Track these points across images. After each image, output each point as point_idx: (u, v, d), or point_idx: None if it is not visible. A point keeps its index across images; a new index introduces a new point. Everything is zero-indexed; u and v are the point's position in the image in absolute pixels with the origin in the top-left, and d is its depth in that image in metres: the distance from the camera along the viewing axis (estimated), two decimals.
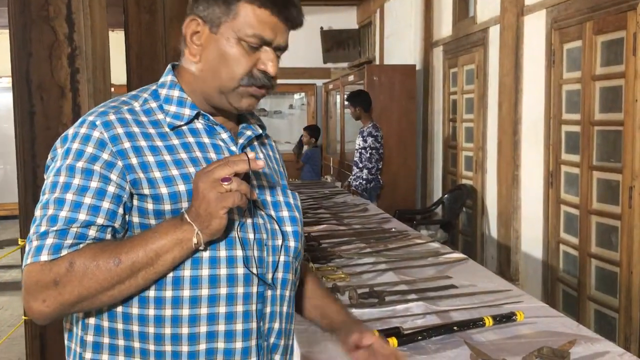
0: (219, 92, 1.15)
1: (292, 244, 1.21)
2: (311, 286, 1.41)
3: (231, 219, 1.09)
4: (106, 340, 1.10)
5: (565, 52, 3.85)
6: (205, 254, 1.08)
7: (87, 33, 1.86)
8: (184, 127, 1.16)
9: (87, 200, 1.05)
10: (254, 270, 1.13)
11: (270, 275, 1.17)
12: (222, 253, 1.10)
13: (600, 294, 3.53)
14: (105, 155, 1.07)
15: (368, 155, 5.52)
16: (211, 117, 1.18)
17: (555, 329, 1.89)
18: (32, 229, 1.06)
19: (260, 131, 1.27)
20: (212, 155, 1.15)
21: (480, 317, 1.89)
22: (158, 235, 1.03)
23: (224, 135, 1.18)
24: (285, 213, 1.22)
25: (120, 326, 1.09)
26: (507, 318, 1.91)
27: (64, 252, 1.02)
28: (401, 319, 1.96)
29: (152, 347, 1.09)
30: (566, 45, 3.82)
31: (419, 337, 1.77)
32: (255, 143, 1.27)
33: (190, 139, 1.15)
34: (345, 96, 6.06)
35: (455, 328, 1.84)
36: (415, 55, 6.69)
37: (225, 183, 1.00)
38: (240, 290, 1.12)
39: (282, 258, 1.19)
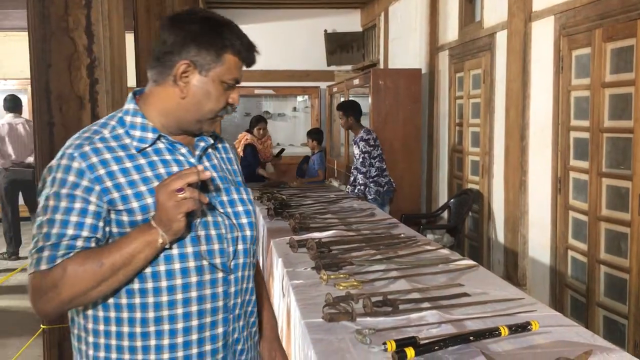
0: (197, 121, 1.41)
1: (247, 232, 1.49)
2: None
3: (194, 221, 1.36)
4: (102, 327, 1.35)
5: (574, 59, 3.85)
6: (175, 251, 1.34)
7: (106, 44, 1.87)
8: (149, 149, 1.39)
9: (73, 218, 1.29)
10: (217, 260, 1.40)
11: (232, 263, 1.44)
12: (189, 249, 1.36)
13: (609, 301, 3.54)
14: (84, 182, 1.31)
15: (361, 160, 5.55)
16: (170, 138, 1.42)
17: (570, 339, 1.90)
18: (32, 245, 1.31)
19: (212, 141, 1.51)
20: (175, 168, 1.39)
21: (496, 326, 1.89)
22: (131, 240, 1.28)
23: (183, 150, 1.43)
24: (240, 208, 1.49)
25: (112, 314, 1.34)
26: (522, 328, 1.92)
27: (58, 260, 1.27)
28: (416, 328, 1.96)
29: (138, 330, 1.33)
30: (575, 51, 3.83)
31: (436, 347, 1.78)
32: (210, 151, 1.52)
33: (155, 158, 1.39)
34: (336, 105, 6.07)
35: (471, 338, 1.84)
36: (420, 59, 6.70)
37: (180, 193, 1.23)
38: (207, 277, 1.38)
39: (240, 247, 1.46)
